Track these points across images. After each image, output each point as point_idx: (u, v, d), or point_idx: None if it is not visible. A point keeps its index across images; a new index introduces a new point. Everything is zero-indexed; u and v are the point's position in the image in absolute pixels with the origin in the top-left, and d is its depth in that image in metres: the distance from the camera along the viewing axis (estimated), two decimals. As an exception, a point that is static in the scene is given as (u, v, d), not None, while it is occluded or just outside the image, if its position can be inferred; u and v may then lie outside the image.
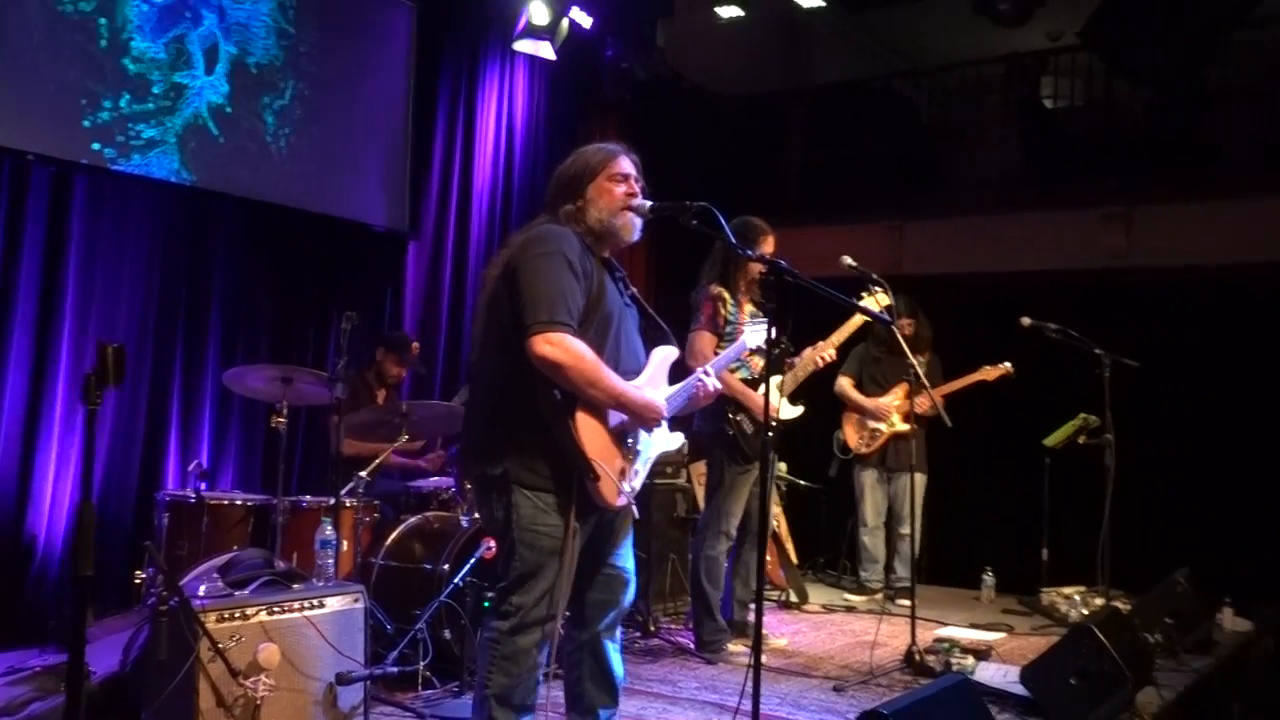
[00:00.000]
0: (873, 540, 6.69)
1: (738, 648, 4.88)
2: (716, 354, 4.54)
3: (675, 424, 3.22)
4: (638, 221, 3.10)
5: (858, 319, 4.91)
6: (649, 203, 3.08)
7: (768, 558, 6.36)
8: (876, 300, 4.63)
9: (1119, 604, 5.34)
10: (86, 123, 5.14)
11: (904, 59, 10.41)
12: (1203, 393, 6.91)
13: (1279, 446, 6.66)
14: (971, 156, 8.77)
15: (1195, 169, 7.79)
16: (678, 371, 3.24)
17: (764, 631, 5.23)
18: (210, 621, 3.18)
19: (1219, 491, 6.75)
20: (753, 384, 4.76)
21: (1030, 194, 8.37)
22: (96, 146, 5.18)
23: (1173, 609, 5.02)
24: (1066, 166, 8.36)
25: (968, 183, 8.77)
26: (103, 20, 5.19)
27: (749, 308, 4.78)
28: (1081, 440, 6.14)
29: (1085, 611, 5.74)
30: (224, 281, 5.76)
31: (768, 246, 4.75)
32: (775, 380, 4.69)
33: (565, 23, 6.73)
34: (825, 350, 4.85)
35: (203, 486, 4.43)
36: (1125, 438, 5.73)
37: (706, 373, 3.23)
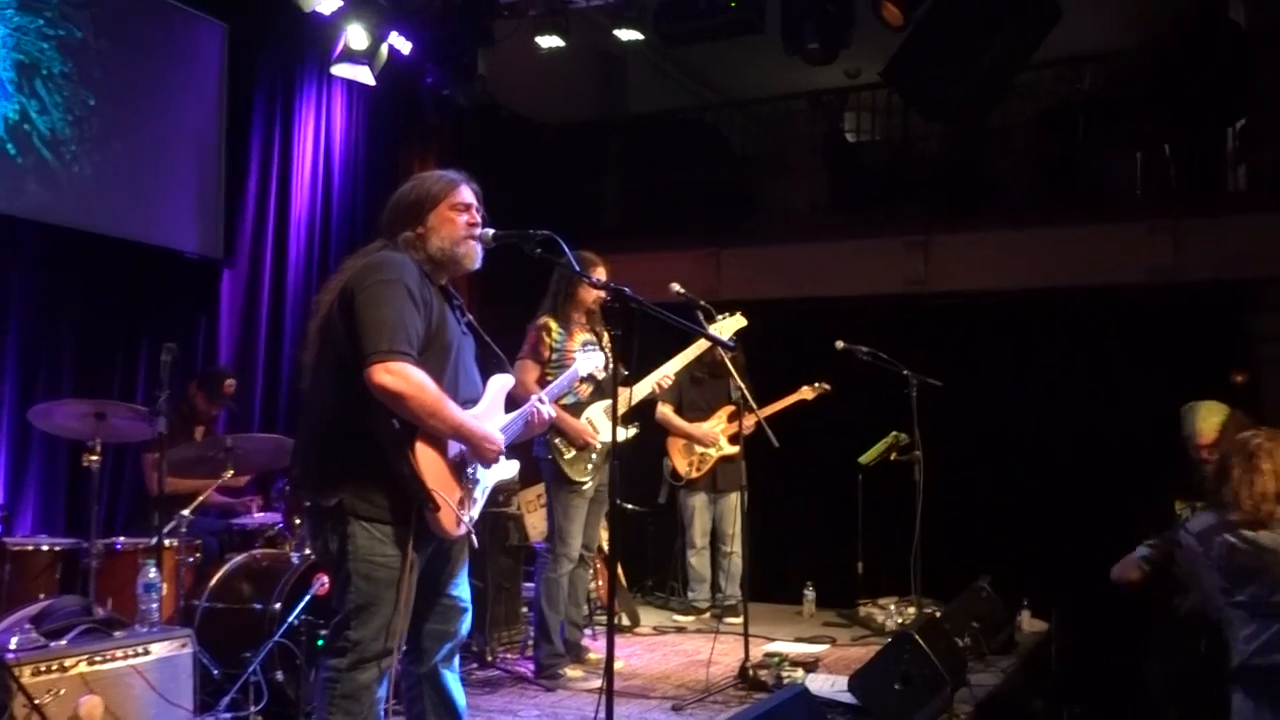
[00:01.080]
0: (699, 561, 6.83)
1: (575, 673, 4.91)
2: (544, 383, 4.59)
3: (511, 450, 3.24)
4: (480, 250, 3.12)
5: (701, 345, 5.04)
6: (492, 231, 3.11)
7: (600, 581, 6.40)
8: (722, 327, 4.78)
9: (930, 611, 5.65)
10: None
11: (716, 92, 10.75)
12: (997, 409, 7.38)
13: (1064, 458, 7.19)
14: (782, 187, 9.14)
15: (983, 201, 8.40)
16: (512, 402, 3.27)
17: (598, 655, 5.31)
18: (25, 675, 3.00)
19: (1014, 501, 7.22)
20: (575, 409, 4.80)
21: (838, 223, 8.81)
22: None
23: (978, 614, 5.33)
24: (869, 197, 8.85)
25: (779, 212, 9.15)
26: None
27: (581, 336, 4.84)
28: (893, 457, 6.43)
29: (900, 621, 6.03)
30: (22, 311, 5.40)
31: (600, 276, 4.83)
32: (605, 405, 4.76)
33: (384, 48, 6.64)
34: (664, 376, 4.96)
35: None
36: (931, 454, 6.07)
37: (541, 400, 3.28)
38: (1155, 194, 7.96)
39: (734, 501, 6.55)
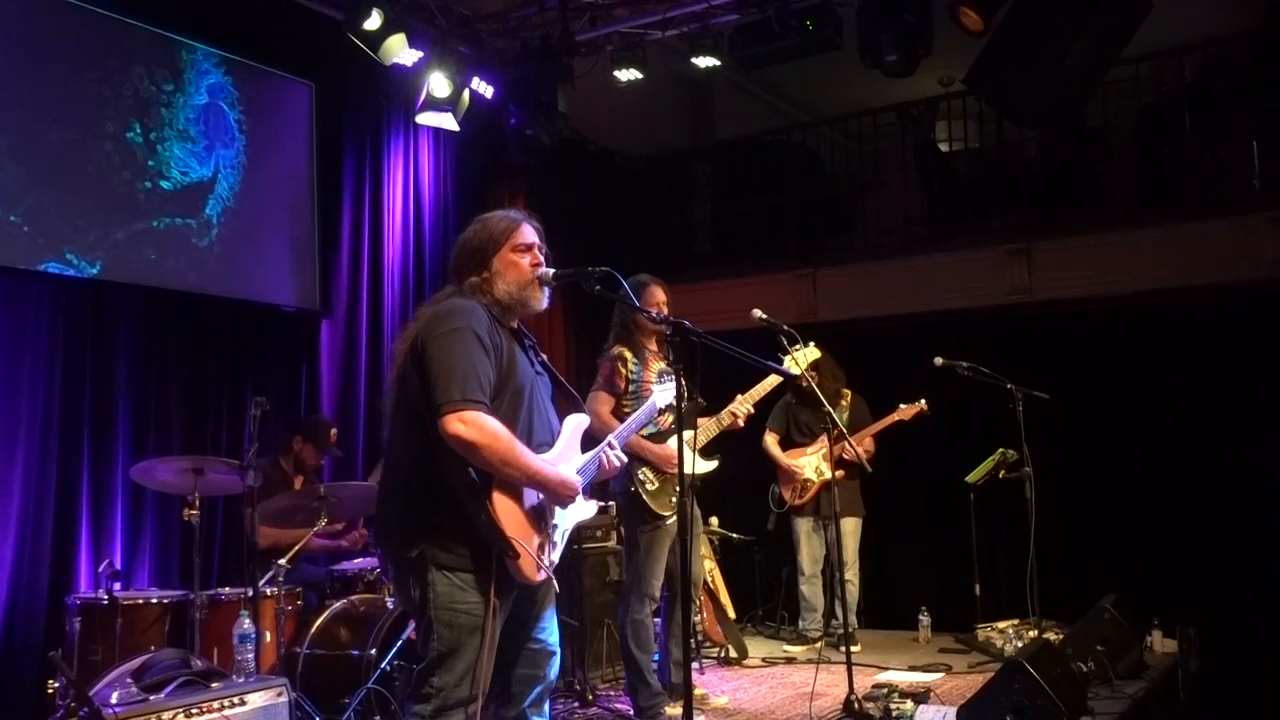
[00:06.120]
0: (810, 589, 6.70)
1: (677, 710, 4.80)
2: (620, 414, 4.52)
3: (590, 490, 3.20)
4: (546, 290, 3.11)
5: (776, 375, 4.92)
6: (552, 270, 3.09)
7: (704, 614, 6.32)
8: (795, 358, 4.62)
9: (1052, 634, 5.41)
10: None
11: (805, 110, 10.63)
12: (1112, 419, 7.07)
13: (1187, 466, 6.83)
14: (876, 202, 8.96)
15: (1087, 203, 8.07)
16: (590, 438, 3.23)
17: (704, 691, 5.22)
18: (125, 730, 3.06)
19: (1138, 515, 6.89)
20: (657, 439, 4.71)
21: (934, 235, 8.59)
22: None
23: (1102, 636, 5.09)
24: (966, 207, 8.61)
25: (874, 228, 8.96)
26: None
27: (656, 365, 4.73)
28: (1002, 475, 6.23)
29: (1020, 644, 5.79)
30: (129, 372, 5.58)
31: (655, 299, 4.77)
32: (686, 436, 4.65)
33: (466, 94, 6.76)
34: (741, 407, 4.84)
35: (116, 586, 4.28)
36: (1043, 469, 5.82)
37: (611, 445, 3.24)
38: (1276, 184, 7.51)
39: (846, 528, 6.42)
